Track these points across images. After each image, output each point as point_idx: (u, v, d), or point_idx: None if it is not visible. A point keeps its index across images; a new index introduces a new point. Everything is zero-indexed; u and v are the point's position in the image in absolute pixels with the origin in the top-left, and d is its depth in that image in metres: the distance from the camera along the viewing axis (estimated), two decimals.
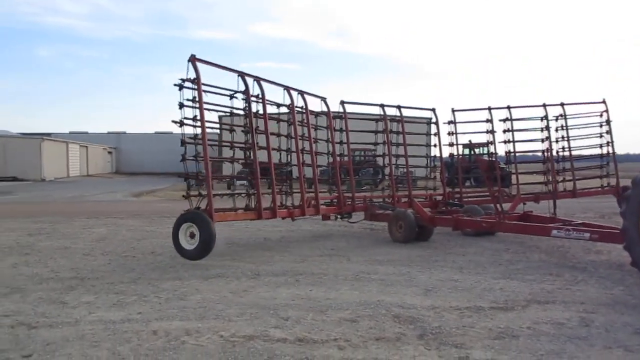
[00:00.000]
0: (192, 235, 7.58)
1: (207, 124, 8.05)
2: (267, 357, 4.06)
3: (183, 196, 8.04)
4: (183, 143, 7.86)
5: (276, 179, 9.37)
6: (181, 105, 7.76)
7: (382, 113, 12.04)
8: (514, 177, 13.50)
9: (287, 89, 9.94)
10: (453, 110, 13.36)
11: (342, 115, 11.58)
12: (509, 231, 9.21)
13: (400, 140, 12.25)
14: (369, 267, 7.53)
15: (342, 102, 11.63)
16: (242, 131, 8.90)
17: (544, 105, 13.44)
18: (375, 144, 12.33)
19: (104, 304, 5.59)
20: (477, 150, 24.63)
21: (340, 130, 11.60)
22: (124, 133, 67.30)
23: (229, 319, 5.03)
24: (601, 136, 13.99)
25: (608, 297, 5.89)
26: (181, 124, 7.79)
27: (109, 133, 67.13)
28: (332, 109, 11.45)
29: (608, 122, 13.92)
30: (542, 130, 13.38)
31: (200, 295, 5.97)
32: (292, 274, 7.10)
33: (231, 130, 8.98)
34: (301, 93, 10.37)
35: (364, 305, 5.52)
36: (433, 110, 13.26)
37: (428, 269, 7.45)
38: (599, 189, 14.20)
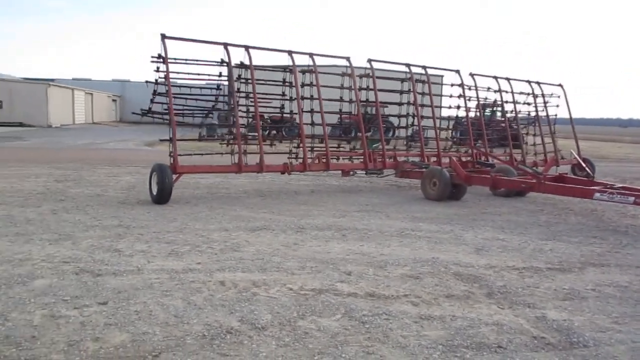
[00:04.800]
0: (157, 183, 8.71)
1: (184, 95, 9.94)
2: (345, 311, 4.06)
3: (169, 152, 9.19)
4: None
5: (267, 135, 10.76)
6: (156, 82, 9.25)
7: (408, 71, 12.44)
8: (538, 139, 14.70)
9: (290, 52, 10.41)
10: (472, 75, 13.75)
11: (370, 73, 11.80)
12: (549, 192, 9.11)
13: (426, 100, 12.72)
14: (411, 224, 7.51)
15: (370, 60, 11.70)
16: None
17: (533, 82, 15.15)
18: (400, 104, 12.58)
19: (159, 253, 5.58)
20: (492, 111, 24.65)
21: (367, 88, 11.91)
22: (128, 81, 66.33)
23: (291, 272, 5.02)
24: None
25: None
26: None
27: (113, 80, 66.21)
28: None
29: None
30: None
31: (252, 247, 5.96)
32: (336, 228, 7.09)
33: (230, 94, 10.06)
34: (311, 55, 10.61)
35: (420, 262, 5.53)
36: (457, 71, 13.37)
37: (470, 227, 7.44)
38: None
